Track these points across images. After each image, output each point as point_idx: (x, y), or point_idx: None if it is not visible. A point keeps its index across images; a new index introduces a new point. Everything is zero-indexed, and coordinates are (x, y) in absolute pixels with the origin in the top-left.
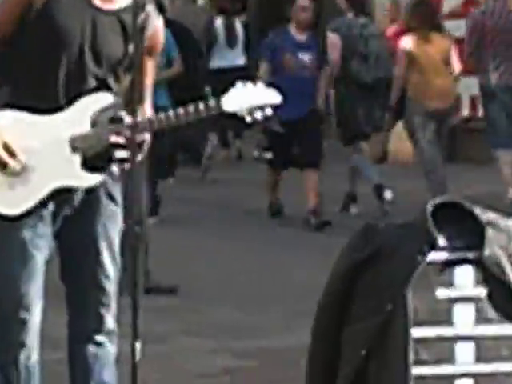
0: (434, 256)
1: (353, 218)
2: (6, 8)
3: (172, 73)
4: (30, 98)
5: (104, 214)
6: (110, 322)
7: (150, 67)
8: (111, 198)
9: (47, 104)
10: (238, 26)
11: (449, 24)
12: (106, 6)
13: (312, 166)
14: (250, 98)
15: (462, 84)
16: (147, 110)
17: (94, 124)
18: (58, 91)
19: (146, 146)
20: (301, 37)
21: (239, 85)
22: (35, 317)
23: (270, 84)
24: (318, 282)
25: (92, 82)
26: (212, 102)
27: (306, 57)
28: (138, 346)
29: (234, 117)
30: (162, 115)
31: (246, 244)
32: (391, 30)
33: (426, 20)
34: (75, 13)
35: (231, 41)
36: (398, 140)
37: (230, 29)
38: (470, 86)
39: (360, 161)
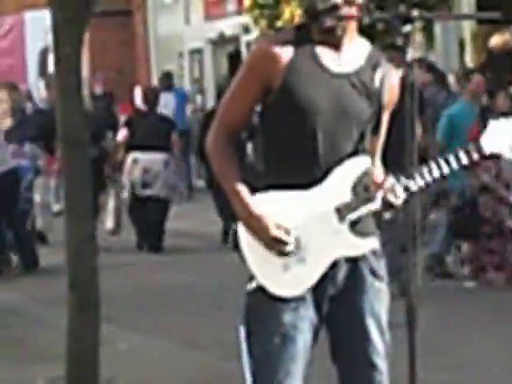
0: None
1: None
2: (241, 99)
3: None
4: (287, 176)
5: (369, 292)
6: None
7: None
8: (375, 274)
9: (305, 179)
10: None
11: None
12: (342, 70)
13: None
14: (508, 134)
15: None
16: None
17: (355, 189)
18: (314, 164)
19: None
20: None
21: (494, 122)
22: None
23: None
24: None
25: (343, 151)
26: (471, 147)
27: None
28: None
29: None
30: (423, 171)
31: None
32: None
33: None
34: (316, 83)
35: None
36: None
37: None
38: None
39: None
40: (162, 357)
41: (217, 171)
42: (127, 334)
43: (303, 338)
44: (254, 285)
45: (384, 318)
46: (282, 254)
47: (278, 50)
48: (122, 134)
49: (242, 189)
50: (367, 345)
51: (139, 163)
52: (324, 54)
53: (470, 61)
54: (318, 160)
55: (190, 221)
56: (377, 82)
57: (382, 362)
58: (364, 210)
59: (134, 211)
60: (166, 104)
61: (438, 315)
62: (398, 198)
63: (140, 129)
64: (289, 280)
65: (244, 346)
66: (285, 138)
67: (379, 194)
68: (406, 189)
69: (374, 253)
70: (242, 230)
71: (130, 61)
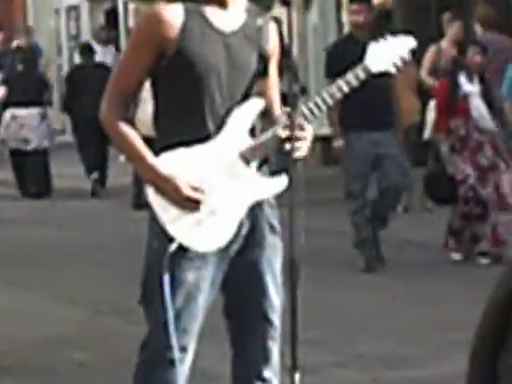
0: None
1: None
2: (133, 66)
3: None
4: (183, 134)
5: (268, 248)
6: (276, 355)
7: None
8: (272, 229)
9: (204, 133)
10: None
11: None
12: (230, 28)
13: None
14: (390, 51)
15: None
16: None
17: (254, 131)
18: (212, 118)
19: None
20: None
21: (373, 44)
22: (189, 358)
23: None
24: (473, 311)
25: (235, 101)
26: (359, 70)
27: None
28: (297, 377)
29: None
30: (316, 100)
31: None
32: None
33: None
34: (209, 44)
35: None
36: None
37: None
38: None
39: None
40: (38, 312)
41: (115, 138)
42: (6, 290)
43: (204, 298)
44: (174, 244)
45: (279, 274)
46: (197, 210)
47: (169, 14)
48: (1, 92)
49: (146, 152)
50: (264, 300)
51: (17, 119)
52: (213, 13)
53: (346, 21)
54: (215, 114)
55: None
56: (258, 33)
57: (276, 318)
58: (267, 148)
59: (15, 165)
60: None
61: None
62: (299, 130)
63: (16, 86)
64: (207, 235)
65: (146, 304)
66: (181, 99)
67: (277, 130)
68: (305, 117)
69: (270, 205)
70: (151, 191)
71: (7, 17)
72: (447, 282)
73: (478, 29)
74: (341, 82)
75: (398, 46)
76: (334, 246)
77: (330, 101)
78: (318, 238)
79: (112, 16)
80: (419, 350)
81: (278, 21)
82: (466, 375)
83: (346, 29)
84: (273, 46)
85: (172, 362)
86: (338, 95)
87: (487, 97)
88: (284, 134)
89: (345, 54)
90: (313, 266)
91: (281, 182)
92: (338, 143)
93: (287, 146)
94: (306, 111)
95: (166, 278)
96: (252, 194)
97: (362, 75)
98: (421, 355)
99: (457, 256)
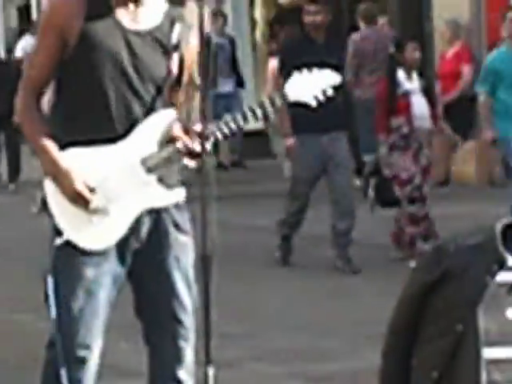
0: (504, 276)
1: None
2: (41, 55)
3: None
4: (87, 131)
5: (174, 246)
6: (190, 355)
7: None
8: (179, 227)
9: (108, 134)
10: None
11: None
12: (138, 27)
13: None
14: (311, 83)
15: None
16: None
17: (163, 141)
18: (112, 119)
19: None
20: None
21: (296, 74)
22: (95, 356)
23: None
24: (387, 306)
25: (144, 105)
26: (276, 96)
27: None
28: (211, 372)
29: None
30: (228, 120)
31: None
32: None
33: None
34: (114, 38)
35: None
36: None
37: None
38: None
39: None
40: None
41: (24, 130)
42: None
43: (105, 294)
44: (61, 239)
45: (191, 272)
46: (88, 208)
47: (73, 3)
48: None
49: (49, 145)
50: (174, 301)
51: None
52: (121, 11)
53: (259, 16)
54: (120, 114)
55: None
56: (174, 39)
57: (187, 318)
58: (170, 160)
59: None
60: None
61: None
62: (202, 146)
63: None
64: (96, 233)
65: (51, 299)
66: (85, 95)
67: (183, 144)
68: (213, 136)
69: (176, 206)
70: (49, 185)
71: None
72: (363, 277)
73: (360, 24)
74: (256, 109)
75: (321, 80)
76: (249, 241)
77: (233, 127)
78: (232, 233)
79: (25, 12)
80: (334, 344)
81: (223, 15)
82: (379, 370)
83: (259, 24)
84: (188, 54)
85: (77, 361)
86: (254, 116)
87: (427, 93)
88: (183, 148)
89: (299, 54)
90: (228, 260)
91: (178, 193)
92: (290, 142)
93: (185, 160)
94: (215, 129)
95: (51, 275)
96: (147, 201)
97: (278, 102)
98: (336, 349)
99: (398, 254)
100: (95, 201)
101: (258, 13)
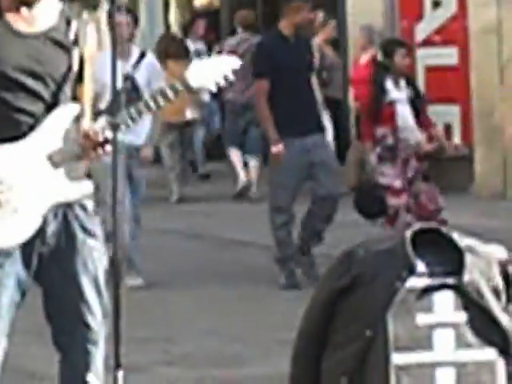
0: (414, 282)
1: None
2: None
3: None
4: None
5: (82, 250)
6: (99, 359)
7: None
8: (87, 231)
9: (12, 133)
10: None
11: (420, 52)
12: (33, 30)
13: None
14: (212, 69)
15: None
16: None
17: (67, 136)
18: (16, 118)
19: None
20: None
21: (196, 61)
22: None
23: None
24: (297, 312)
25: (46, 103)
26: (177, 83)
27: None
28: (120, 375)
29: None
30: (132, 108)
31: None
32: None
33: None
34: (8, 46)
35: None
36: None
37: None
38: None
39: None
40: None
41: None
42: None
43: (8, 294)
44: None
45: (101, 277)
46: None
47: None
48: None
49: None
50: (82, 305)
51: None
52: (14, 17)
53: (173, 20)
54: (21, 114)
55: None
56: (72, 36)
57: (95, 323)
58: (74, 154)
59: None
60: None
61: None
62: (105, 137)
63: None
64: (3, 231)
65: None
66: None
67: (86, 138)
68: (114, 128)
69: (84, 210)
70: None
71: None
72: (273, 280)
73: (238, 29)
74: (156, 93)
75: (221, 65)
76: (166, 246)
77: (136, 117)
78: (149, 237)
79: None
80: (246, 349)
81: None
82: (289, 375)
83: (174, 29)
84: (89, 49)
85: None
86: (156, 104)
87: (415, 103)
88: (83, 141)
89: (272, 52)
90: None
91: (85, 186)
92: (278, 148)
93: (88, 153)
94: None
95: None
96: (55, 195)
97: (179, 87)
98: (247, 354)
99: None
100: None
101: (173, 17)
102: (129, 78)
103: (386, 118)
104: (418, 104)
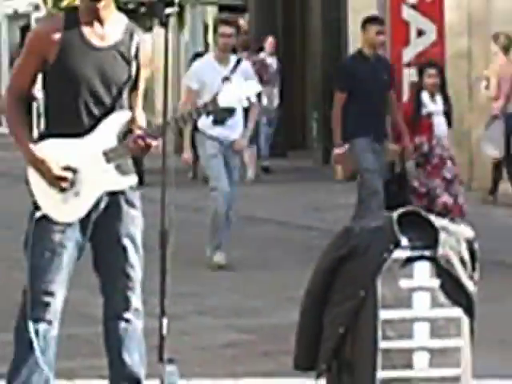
0: (398, 254)
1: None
2: (24, 69)
3: None
4: (62, 127)
5: (125, 218)
6: (135, 302)
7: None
8: (130, 204)
9: (78, 129)
10: None
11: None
12: (104, 44)
13: None
14: (239, 93)
15: None
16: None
17: (120, 136)
18: (83, 118)
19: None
20: None
21: (228, 85)
22: (58, 301)
23: None
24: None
25: (106, 107)
26: (209, 102)
27: None
28: (164, 322)
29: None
30: (168, 120)
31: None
32: None
33: None
34: (82, 57)
35: None
36: None
37: None
38: None
39: None
40: None
41: (9, 124)
42: None
43: (68, 254)
44: (39, 213)
45: (139, 239)
46: (62, 189)
47: (48, 31)
48: None
49: (28, 138)
50: (123, 259)
51: None
52: (89, 32)
53: (211, 42)
54: (86, 115)
55: None
56: (133, 49)
57: (134, 273)
58: (125, 153)
59: None
60: None
61: None
62: (151, 141)
63: None
64: (67, 209)
65: (27, 256)
66: (60, 99)
67: (136, 139)
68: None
69: (131, 187)
70: (30, 170)
71: None
72: (285, 249)
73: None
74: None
75: (246, 89)
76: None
77: (188, 120)
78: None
79: (26, 32)
80: (261, 304)
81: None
82: (297, 324)
83: (212, 48)
84: (144, 59)
85: (42, 304)
86: (193, 117)
87: (448, 116)
88: (135, 143)
89: (353, 69)
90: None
91: (130, 180)
92: (340, 150)
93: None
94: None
95: (30, 238)
96: (107, 184)
97: (210, 108)
98: (263, 307)
99: None
100: (68, 182)
101: (211, 39)
102: (228, 80)
103: (424, 128)
104: (451, 118)
